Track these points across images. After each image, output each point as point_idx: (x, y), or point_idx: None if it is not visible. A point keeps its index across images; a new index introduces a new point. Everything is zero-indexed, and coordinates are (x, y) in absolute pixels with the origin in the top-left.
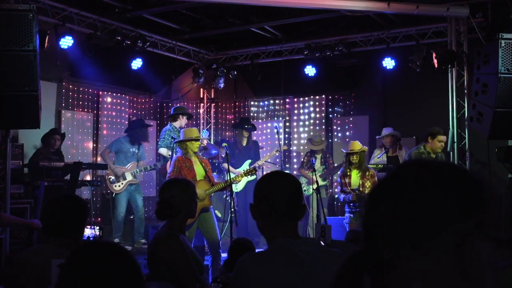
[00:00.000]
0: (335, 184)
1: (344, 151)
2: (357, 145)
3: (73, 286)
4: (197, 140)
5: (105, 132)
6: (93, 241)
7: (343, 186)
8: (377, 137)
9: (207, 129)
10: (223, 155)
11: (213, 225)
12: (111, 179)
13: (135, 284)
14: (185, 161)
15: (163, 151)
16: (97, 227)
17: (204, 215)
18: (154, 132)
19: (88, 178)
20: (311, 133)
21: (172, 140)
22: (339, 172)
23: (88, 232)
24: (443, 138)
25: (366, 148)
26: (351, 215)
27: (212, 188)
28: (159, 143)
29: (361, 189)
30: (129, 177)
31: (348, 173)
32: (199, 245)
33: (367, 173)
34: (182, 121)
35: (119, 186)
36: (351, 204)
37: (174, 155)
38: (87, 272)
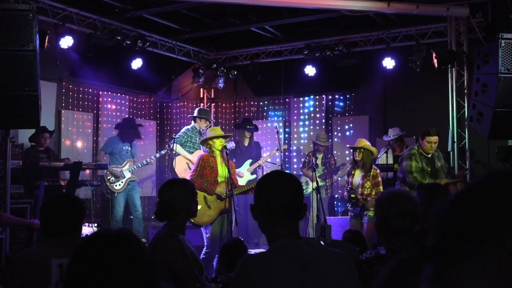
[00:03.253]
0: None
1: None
2: (361, 142)
3: (82, 276)
4: (220, 137)
5: (105, 132)
6: (102, 231)
7: (347, 184)
8: (385, 137)
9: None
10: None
11: (223, 227)
12: (110, 180)
13: (145, 271)
14: (210, 160)
15: (174, 147)
16: (95, 224)
17: (225, 216)
18: (154, 132)
19: (88, 178)
20: (311, 133)
21: (188, 139)
22: (347, 170)
23: (86, 230)
24: (432, 139)
25: (374, 149)
26: (351, 214)
27: (235, 190)
28: (175, 138)
29: (360, 189)
30: (128, 175)
31: (353, 172)
32: (199, 245)
33: (369, 174)
34: (200, 123)
35: (120, 185)
36: (349, 204)
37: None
38: (97, 262)
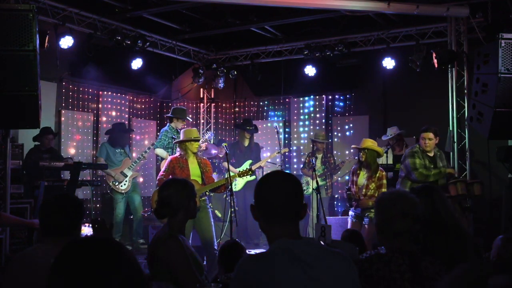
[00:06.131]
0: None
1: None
2: (365, 142)
3: (63, 284)
4: (196, 140)
5: (105, 132)
6: (84, 238)
7: (351, 184)
8: (383, 137)
9: (210, 132)
10: (221, 155)
11: (207, 226)
12: (115, 183)
13: (132, 280)
14: (179, 161)
15: (159, 151)
16: (96, 225)
17: (198, 215)
18: (154, 132)
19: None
20: (311, 133)
21: (170, 140)
22: (351, 169)
23: (86, 230)
24: (426, 135)
25: (380, 149)
26: (353, 214)
27: (201, 189)
28: (155, 143)
29: (364, 190)
30: (129, 173)
31: (358, 171)
32: (199, 245)
33: (375, 175)
34: (177, 123)
35: (125, 185)
36: (347, 203)
37: (173, 154)
38: (77, 270)
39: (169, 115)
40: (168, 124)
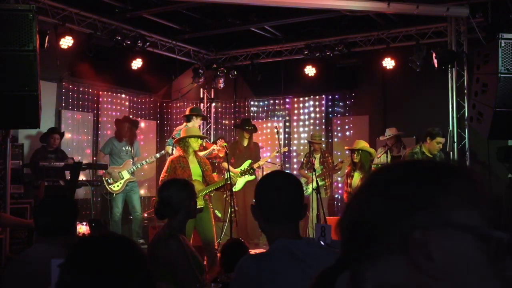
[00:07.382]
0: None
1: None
2: (359, 144)
3: (75, 282)
4: (199, 137)
5: (105, 132)
6: (93, 236)
7: (346, 186)
8: (381, 138)
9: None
10: (221, 155)
11: (208, 226)
12: (108, 181)
13: (140, 274)
14: (180, 161)
15: (169, 149)
16: (93, 224)
17: (200, 215)
18: (154, 132)
19: (88, 178)
20: (311, 133)
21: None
22: (346, 171)
23: (83, 229)
24: (441, 140)
25: (372, 150)
26: None
27: (205, 189)
28: (168, 141)
29: None
30: (126, 176)
31: (352, 173)
32: (199, 245)
33: (368, 174)
34: (195, 122)
35: (118, 186)
36: None
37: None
38: (89, 267)
39: (188, 113)
40: (185, 124)
